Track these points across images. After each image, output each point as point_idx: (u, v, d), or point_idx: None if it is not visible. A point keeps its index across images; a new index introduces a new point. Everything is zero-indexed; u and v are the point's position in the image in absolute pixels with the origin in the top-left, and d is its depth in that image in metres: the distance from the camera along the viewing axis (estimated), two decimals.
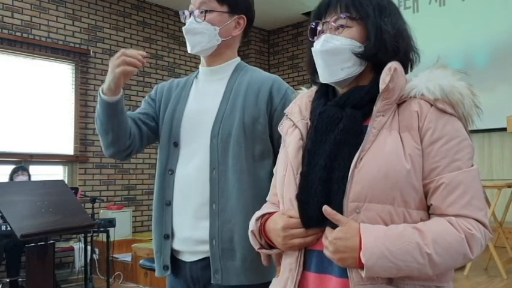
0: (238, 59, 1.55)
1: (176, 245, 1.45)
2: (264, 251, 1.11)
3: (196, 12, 1.44)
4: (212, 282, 1.37)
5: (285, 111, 1.18)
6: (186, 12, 1.48)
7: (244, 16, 1.50)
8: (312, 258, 1.01)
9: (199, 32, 1.44)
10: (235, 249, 1.36)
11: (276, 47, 7.60)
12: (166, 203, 1.46)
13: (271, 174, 1.42)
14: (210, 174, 1.39)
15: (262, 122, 1.41)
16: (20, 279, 4.39)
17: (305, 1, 6.33)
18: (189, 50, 1.49)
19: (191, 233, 1.41)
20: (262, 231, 1.10)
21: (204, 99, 1.50)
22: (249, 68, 1.53)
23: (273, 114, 1.43)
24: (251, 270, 1.36)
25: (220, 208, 1.38)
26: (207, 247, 1.38)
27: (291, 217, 1.01)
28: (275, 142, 1.43)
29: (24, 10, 5.27)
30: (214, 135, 1.41)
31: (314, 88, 1.16)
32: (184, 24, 1.48)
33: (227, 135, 1.39)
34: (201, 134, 1.43)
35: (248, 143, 1.40)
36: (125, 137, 1.43)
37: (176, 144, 1.47)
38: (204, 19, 1.43)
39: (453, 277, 1.00)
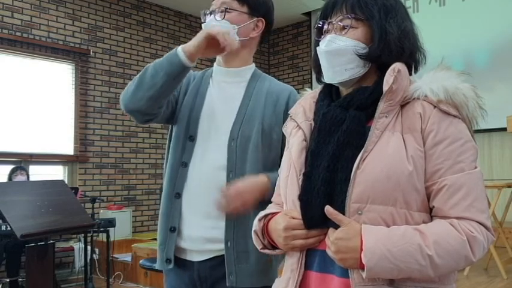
0: (254, 65, 1.58)
1: (184, 243, 1.45)
2: (266, 251, 1.11)
3: (217, 11, 1.47)
4: (227, 284, 1.38)
5: (289, 112, 1.18)
6: (207, 12, 1.50)
7: (263, 19, 1.52)
8: (314, 258, 1.01)
9: None
10: (249, 252, 1.38)
11: (276, 47, 7.60)
12: (176, 196, 1.46)
13: None
14: (227, 176, 1.41)
15: (278, 131, 1.44)
16: (20, 279, 4.38)
17: (305, 1, 6.34)
18: None
19: (202, 232, 1.42)
20: (265, 231, 1.10)
21: (223, 100, 1.51)
22: (266, 77, 1.56)
23: None
24: (264, 273, 1.38)
25: None
26: (217, 246, 1.40)
27: (293, 218, 1.01)
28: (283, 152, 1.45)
29: (24, 10, 5.27)
30: (233, 138, 1.43)
31: (318, 89, 1.15)
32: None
33: (246, 139, 1.42)
34: (219, 133, 1.45)
35: (265, 149, 1.43)
36: (158, 104, 1.40)
37: (192, 139, 1.48)
38: (224, 17, 1.46)
39: (456, 279, 1.00)
